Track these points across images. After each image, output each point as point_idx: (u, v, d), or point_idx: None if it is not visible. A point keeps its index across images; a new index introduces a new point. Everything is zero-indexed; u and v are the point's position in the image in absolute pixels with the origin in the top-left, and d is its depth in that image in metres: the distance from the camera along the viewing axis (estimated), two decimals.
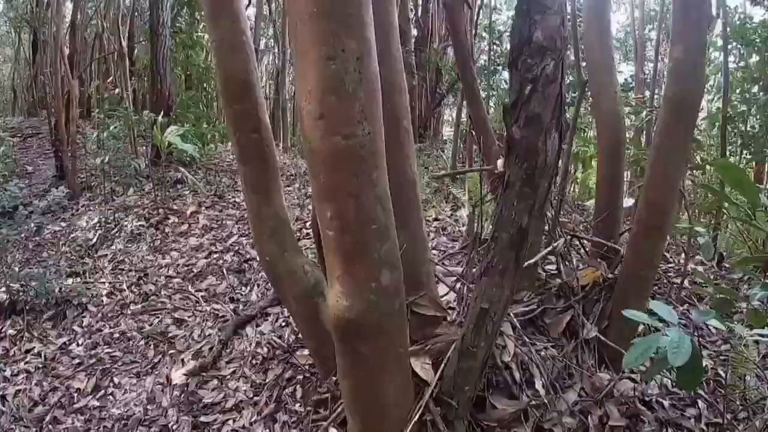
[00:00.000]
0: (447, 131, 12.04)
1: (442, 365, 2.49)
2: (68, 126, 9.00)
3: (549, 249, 3.31)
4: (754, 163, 12.55)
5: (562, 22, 1.89)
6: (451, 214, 5.67)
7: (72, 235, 7.16)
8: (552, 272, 3.84)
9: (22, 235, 6.69)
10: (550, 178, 2.11)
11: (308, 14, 1.65)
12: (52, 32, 9.82)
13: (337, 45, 1.66)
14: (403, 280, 2.10)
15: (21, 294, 5.24)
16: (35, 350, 4.75)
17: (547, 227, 3.43)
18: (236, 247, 5.91)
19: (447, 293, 3.69)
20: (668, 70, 3.27)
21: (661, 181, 3.13)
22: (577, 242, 3.97)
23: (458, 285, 3.60)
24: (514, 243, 2.15)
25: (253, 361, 4.09)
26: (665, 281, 4.21)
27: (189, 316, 4.97)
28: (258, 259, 4.48)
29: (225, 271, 5.50)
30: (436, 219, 5.68)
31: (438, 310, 2.88)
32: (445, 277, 3.63)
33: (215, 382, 3.98)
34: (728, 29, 10.88)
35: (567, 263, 3.72)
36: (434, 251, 5.04)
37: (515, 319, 3.07)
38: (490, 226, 2.32)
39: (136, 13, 11.10)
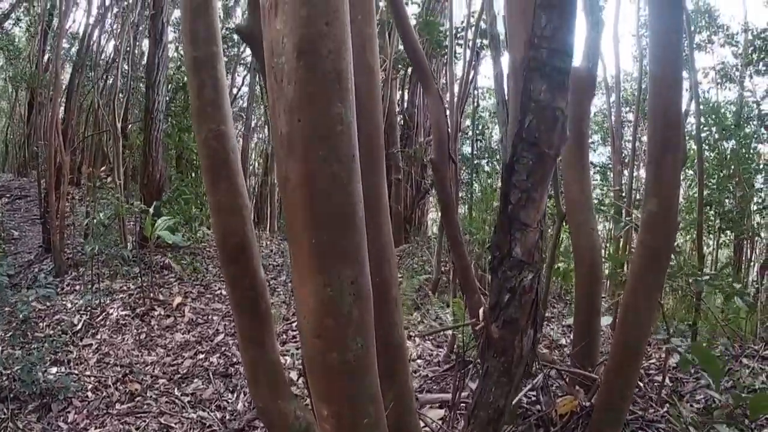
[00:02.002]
0: (432, 213, 12.41)
1: None
2: (58, 201, 9.13)
3: (529, 387, 3.44)
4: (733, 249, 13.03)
5: (541, 236, 2.10)
6: (436, 317, 5.81)
7: (56, 317, 7.17)
8: (532, 399, 3.96)
9: (6, 309, 6.70)
10: (525, 365, 2.29)
11: (307, 245, 1.82)
12: (50, 95, 10.09)
13: (333, 273, 1.83)
14: None
15: (5, 379, 5.21)
16: None
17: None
18: (222, 348, 5.97)
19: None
20: (642, 220, 3.50)
21: (632, 322, 3.31)
22: (556, 371, 4.12)
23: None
24: (492, 420, 2.31)
25: None
26: (646, 380, 4.35)
27: (176, 423, 4.97)
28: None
29: (211, 375, 5.54)
30: (421, 322, 5.82)
31: None
32: (431, 408, 3.74)
33: None
34: (701, 114, 11.41)
35: (545, 394, 3.86)
36: (419, 360, 5.15)
37: None
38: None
39: (131, 92, 11.40)
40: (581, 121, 4.01)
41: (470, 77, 7.12)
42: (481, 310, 2.68)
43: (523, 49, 2.92)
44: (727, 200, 11.48)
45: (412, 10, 10.03)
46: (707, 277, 7.14)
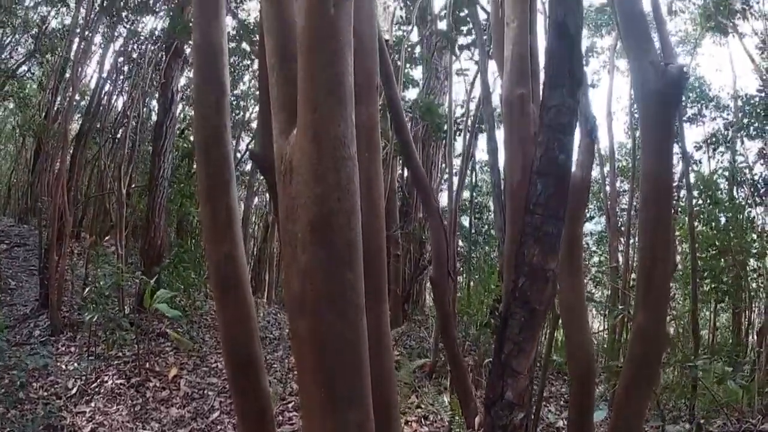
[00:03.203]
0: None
1: None
2: (59, 260, 9.19)
3: None
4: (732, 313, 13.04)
5: (531, 382, 2.21)
6: (433, 402, 5.82)
7: (50, 378, 7.13)
8: None
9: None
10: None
11: (316, 394, 1.90)
12: (58, 151, 10.25)
13: (340, 419, 1.90)
14: None
15: None
16: None
17: None
18: (218, 427, 5.95)
19: None
20: (632, 331, 3.62)
21: (624, 428, 3.39)
22: None
23: None
24: None
25: None
26: None
27: None
28: None
29: None
30: (418, 406, 5.82)
31: None
32: None
33: None
34: (692, 186, 11.57)
35: None
36: None
37: None
38: None
39: (138, 156, 11.62)
40: (575, 226, 4.17)
41: (469, 154, 7.33)
42: (476, 420, 2.78)
43: (519, 172, 3.11)
44: (722, 274, 11.54)
45: (410, 95, 10.46)
46: (701, 362, 7.19)
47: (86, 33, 11.00)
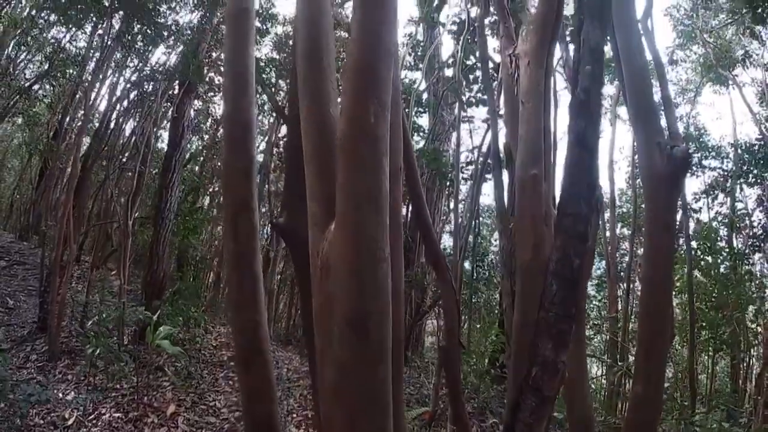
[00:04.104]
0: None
1: None
2: (61, 286, 9.21)
3: None
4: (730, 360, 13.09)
5: None
6: None
7: (47, 405, 7.11)
8: None
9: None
10: None
11: None
12: (65, 167, 10.29)
13: None
14: None
15: None
16: None
17: None
18: None
19: None
20: (630, 398, 3.74)
21: None
22: None
23: None
24: None
25: None
26: None
27: None
28: None
29: None
30: None
31: None
32: None
33: None
34: (691, 236, 11.68)
35: None
36: None
37: None
38: None
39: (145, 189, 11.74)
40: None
41: (475, 200, 7.46)
42: None
43: (531, 251, 3.24)
44: (720, 326, 11.63)
45: (416, 141, 10.57)
46: (698, 417, 7.25)
47: (99, 58, 11.26)
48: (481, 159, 8.39)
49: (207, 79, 11.83)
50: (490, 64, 7.15)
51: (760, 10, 8.52)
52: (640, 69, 3.68)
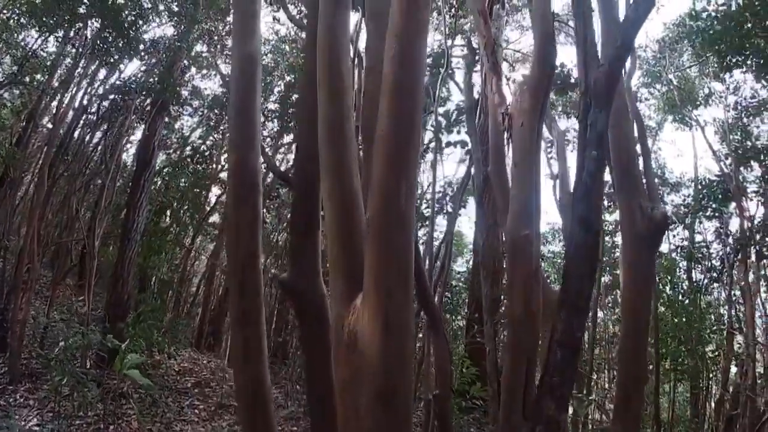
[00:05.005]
0: None
1: None
2: (23, 305, 8.88)
3: None
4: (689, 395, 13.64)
5: None
6: None
7: None
8: None
9: None
10: None
11: None
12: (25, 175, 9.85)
13: None
14: None
15: None
16: None
17: None
18: None
19: None
20: None
21: None
22: None
23: None
24: None
25: None
26: None
27: None
28: None
29: None
30: None
31: None
32: None
33: None
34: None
35: None
36: None
37: None
38: None
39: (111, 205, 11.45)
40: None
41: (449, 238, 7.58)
42: None
43: (522, 305, 3.38)
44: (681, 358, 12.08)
45: None
46: None
47: (71, 65, 10.99)
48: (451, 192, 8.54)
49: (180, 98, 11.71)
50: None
51: (728, 58, 8.99)
52: (625, 135, 3.90)
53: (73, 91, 11.78)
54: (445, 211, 8.50)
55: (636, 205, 3.71)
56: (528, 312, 3.35)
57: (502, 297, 7.27)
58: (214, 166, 14.67)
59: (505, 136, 4.06)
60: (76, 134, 13.08)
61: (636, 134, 4.59)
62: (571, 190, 3.61)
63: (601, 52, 3.33)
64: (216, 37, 12.33)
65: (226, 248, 6.85)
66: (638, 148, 4.54)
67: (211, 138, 14.55)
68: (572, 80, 7.77)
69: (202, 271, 17.66)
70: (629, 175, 3.80)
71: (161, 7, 11.26)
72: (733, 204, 13.44)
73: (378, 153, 2.12)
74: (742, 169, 13.24)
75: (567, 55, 17.68)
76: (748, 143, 12.91)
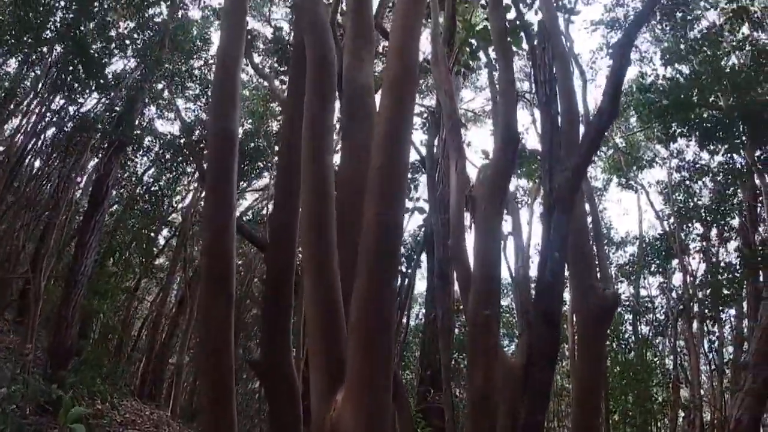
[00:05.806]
0: None
1: None
2: None
3: None
4: None
5: None
6: None
7: None
8: None
9: None
10: None
11: None
12: None
13: None
14: None
15: None
16: None
17: None
18: None
19: None
20: None
21: None
22: None
23: None
24: None
25: None
26: None
27: None
28: None
29: None
30: None
31: None
32: None
33: None
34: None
35: None
36: None
37: None
38: None
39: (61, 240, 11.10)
40: None
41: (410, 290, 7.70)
42: None
43: (482, 380, 3.51)
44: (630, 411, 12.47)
45: None
46: None
47: (28, 90, 10.68)
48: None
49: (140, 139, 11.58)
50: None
51: (673, 129, 9.61)
52: (579, 217, 4.15)
53: (29, 117, 11.51)
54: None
55: (588, 285, 3.93)
56: (488, 385, 3.46)
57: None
58: (165, 207, 14.43)
59: (468, 217, 4.25)
60: (26, 161, 12.67)
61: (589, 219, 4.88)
62: (528, 271, 3.87)
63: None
64: (177, 78, 12.32)
65: (198, 328, 6.73)
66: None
67: (163, 178, 14.34)
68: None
69: (144, 315, 17.17)
70: (583, 256, 4.02)
71: (127, 41, 11.22)
72: (676, 260, 14.15)
73: (366, 251, 2.22)
74: (684, 227, 14.00)
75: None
76: (691, 203, 13.66)
